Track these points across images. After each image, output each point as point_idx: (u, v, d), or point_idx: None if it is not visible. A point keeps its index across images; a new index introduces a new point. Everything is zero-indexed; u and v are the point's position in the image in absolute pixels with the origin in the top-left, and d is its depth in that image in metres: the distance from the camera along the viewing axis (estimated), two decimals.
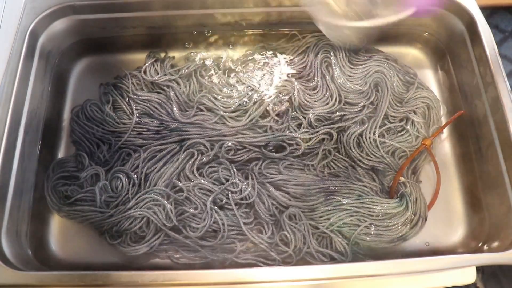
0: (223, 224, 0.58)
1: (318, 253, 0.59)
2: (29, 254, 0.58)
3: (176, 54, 0.73)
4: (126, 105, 0.67)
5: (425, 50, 0.76)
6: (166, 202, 0.59)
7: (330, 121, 0.66)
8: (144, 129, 0.65)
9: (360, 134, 0.65)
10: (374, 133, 0.65)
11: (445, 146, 0.69)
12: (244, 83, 0.68)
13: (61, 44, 0.70)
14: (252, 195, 0.60)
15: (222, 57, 0.72)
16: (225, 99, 0.67)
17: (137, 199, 0.59)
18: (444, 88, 0.73)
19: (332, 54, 0.69)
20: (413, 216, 0.60)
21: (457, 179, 0.67)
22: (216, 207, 0.60)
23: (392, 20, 0.58)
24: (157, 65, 0.70)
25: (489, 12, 1.36)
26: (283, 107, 0.66)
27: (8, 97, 0.58)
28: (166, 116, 0.66)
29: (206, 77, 0.69)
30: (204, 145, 0.63)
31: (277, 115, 0.66)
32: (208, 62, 0.71)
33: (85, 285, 0.48)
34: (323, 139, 0.66)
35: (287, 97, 0.67)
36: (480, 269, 0.60)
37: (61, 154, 0.67)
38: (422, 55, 0.76)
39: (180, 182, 0.61)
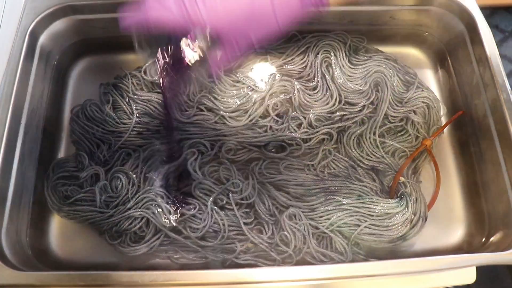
0: (223, 225, 0.58)
1: (318, 253, 0.59)
2: (29, 254, 0.58)
3: None
4: (126, 105, 0.67)
5: (425, 50, 0.76)
6: (165, 203, 0.59)
7: (330, 121, 0.66)
8: (144, 129, 0.65)
9: (360, 134, 0.65)
10: (374, 133, 0.65)
11: (445, 146, 0.69)
12: (244, 83, 0.68)
13: (61, 44, 0.71)
14: (252, 195, 0.60)
15: None
16: (225, 99, 0.67)
17: (136, 199, 0.59)
18: (444, 88, 0.73)
19: (332, 54, 0.69)
20: (413, 216, 0.60)
21: (457, 179, 0.67)
22: (216, 208, 0.60)
23: None
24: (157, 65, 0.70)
25: (489, 12, 1.37)
26: (283, 107, 0.67)
27: (8, 97, 0.58)
28: (166, 117, 0.66)
29: (206, 77, 0.69)
30: (204, 145, 0.63)
31: (277, 115, 0.66)
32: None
33: (85, 285, 0.48)
34: (323, 139, 0.66)
35: (287, 97, 0.67)
36: None
37: (61, 154, 0.67)
38: (422, 55, 0.77)
39: (181, 182, 0.61)
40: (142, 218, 0.59)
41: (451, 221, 0.64)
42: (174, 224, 0.58)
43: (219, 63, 0.48)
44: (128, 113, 0.66)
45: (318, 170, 0.63)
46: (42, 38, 0.67)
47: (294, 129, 0.65)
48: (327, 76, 0.68)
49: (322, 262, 0.58)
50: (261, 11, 0.40)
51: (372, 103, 0.67)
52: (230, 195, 0.60)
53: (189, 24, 0.40)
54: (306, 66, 0.70)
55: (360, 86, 0.68)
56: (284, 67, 0.70)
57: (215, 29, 0.42)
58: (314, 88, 0.68)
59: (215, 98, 0.66)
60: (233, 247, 0.59)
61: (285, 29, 0.43)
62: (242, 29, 0.41)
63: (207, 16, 0.40)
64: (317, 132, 0.65)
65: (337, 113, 0.67)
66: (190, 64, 0.51)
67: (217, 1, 0.39)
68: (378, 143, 0.64)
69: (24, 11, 0.64)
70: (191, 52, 0.49)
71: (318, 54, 0.70)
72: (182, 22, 0.40)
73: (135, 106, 0.66)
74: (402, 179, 0.62)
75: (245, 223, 0.59)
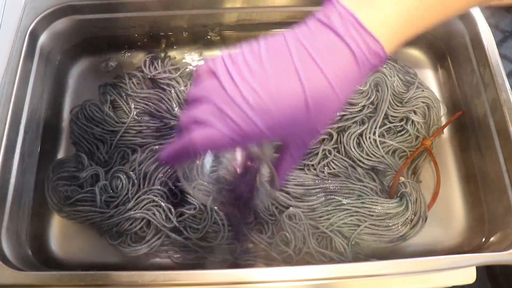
0: (223, 225, 0.58)
1: (318, 253, 0.59)
2: (29, 254, 0.58)
3: (176, 54, 0.73)
4: (125, 104, 0.67)
5: (425, 50, 0.76)
6: (166, 203, 0.59)
7: (330, 121, 0.66)
8: (144, 128, 0.65)
9: (360, 134, 0.65)
10: (374, 133, 0.65)
11: (445, 146, 0.69)
12: None
13: (61, 44, 0.70)
14: None
15: None
16: None
17: (136, 199, 0.59)
18: (444, 88, 0.73)
19: None
20: (413, 216, 0.60)
21: (457, 179, 0.67)
22: (216, 207, 0.60)
23: None
24: (157, 65, 0.70)
25: (489, 12, 1.36)
26: None
27: (8, 97, 0.58)
28: (166, 114, 0.66)
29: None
30: None
31: None
32: None
33: (85, 285, 0.48)
34: (323, 139, 0.66)
35: None
36: None
37: (61, 154, 0.67)
38: (422, 55, 0.76)
39: (180, 182, 0.61)
40: (142, 219, 0.58)
41: (451, 221, 0.64)
42: (175, 224, 0.58)
43: (284, 171, 0.40)
44: (127, 112, 0.66)
45: (318, 170, 0.63)
46: (42, 38, 0.66)
47: None
48: None
49: (322, 262, 0.58)
50: (314, 88, 0.31)
51: (372, 103, 0.67)
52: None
53: (246, 139, 0.32)
54: None
55: (360, 86, 0.68)
56: None
57: (274, 132, 0.33)
58: None
59: None
60: (233, 247, 0.59)
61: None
62: (302, 123, 0.33)
63: (261, 121, 0.31)
64: None
65: (337, 113, 0.66)
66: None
67: (266, 102, 0.31)
68: (378, 143, 0.64)
69: (24, 11, 0.64)
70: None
71: None
72: (236, 138, 0.32)
73: (135, 105, 0.66)
74: (402, 179, 0.62)
75: (244, 223, 0.59)
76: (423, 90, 0.68)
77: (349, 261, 0.58)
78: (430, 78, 0.75)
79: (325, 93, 0.31)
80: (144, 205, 0.59)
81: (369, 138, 0.65)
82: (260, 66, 0.31)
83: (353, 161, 0.65)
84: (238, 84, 0.31)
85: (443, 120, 0.70)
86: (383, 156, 0.64)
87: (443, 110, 0.70)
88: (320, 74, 0.31)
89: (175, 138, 0.36)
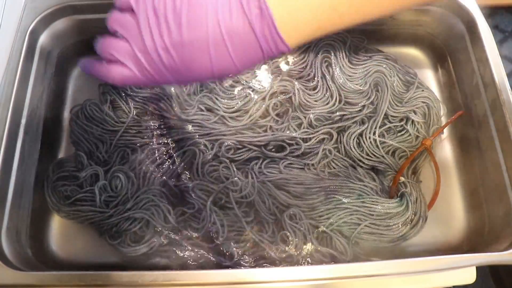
0: (222, 225, 0.58)
1: (318, 253, 0.58)
2: (29, 254, 0.58)
3: None
4: (125, 103, 0.67)
5: (425, 50, 0.76)
6: (165, 202, 0.59)
7: (330, 121, 0.66)
8: (143, 127, 0.65)
9: (360, 134, 0.65)
10: (374, 133, 0.65)
11: (445, 146, 0.69)
12: (244, 84, 0.68)
13: (61, 44, 0.70)
14: (252, 193, 0.60)
15: None
16: (226, 100, 0.67)
17: (135, 199, 0.59)
18: (444, 88, 0.73)
19: (332, 54, 0.69)
20: (413, 216, 0.60)
21: (457, 179, 0.67)
22: (216, 207, 0.60)
23: None
24: None
25: (489, 12, 1.37)
26: (283, 107, 0.67)
27: (8, 97, 0.58)
28: (165, 114, 0.66)
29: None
30: (204, 144, 0.63)
31: (277, 115, 0.66)
32: None
33: (85, 285, 0.48)
34: (323, 138, 0.66)
35: (287, 97, 0.67)
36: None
37: (61, 154, 0.67)
38: (422, 55, 0.76)
39: (180, 181, 0.61)
40: (142, 219, 0.58)
41: (451, 221, 0.64)
42: (174, 224, 0.58)
43: None
44: (127, 111, 0.66)
45: (319, 170, 0.63)
46: (42, 38, 0.66)
47: (294, 129, 0.65)
48: (327, 76, 0.68)
49: (322, 261, 0.58)
50: (222, 66, 0.38)
51: (372, 103, 0.67)
52: (230, 193, 0.60)
53: (158, 83, 0.40)
54: (306, 66, 0.70)
55: (360, 86, 0.68)
56: (284, 67, 0.70)
57: (182, 83, 0.42)
58: (314, 88, 0.68)
59: (216, 99, 0.66)
60: (233, 247, 0.59)
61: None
62: (204, 78, 0.41)
63: (172, 77, 0.38)
64: (317, 132, 0.65)
65: (337, 113, 0.66)
66: None
67: (178, 65, 0.37)
68: (378, 143, 0.64)
69: (24, 11, 0.64)
70: None
71: (318, 54, 0.70)
72: (148, 83, 0.39)
73: (134, 105, 0.67)
74: (402, 179, 0.62)
75: (245, 222, 0.59)
76: (423, 90, 0.68)
77: (350, 261, 0.58)
78: (430, 78, 0.75)
79: (229, 68, 0.37)
80: (143, 204, 0.59)
81: (369, 138, 0.65)
82: (179, 33, 0.35)
83: (353, 161, 0.65)
84: (156, 43, 0.36)
85: (443, 120, 0.70)
86: (383, 156, 0.64)
87: (443, 110, 0.70)
88: (229, 59, 0.36)
89: (97, 57, 0.43)
